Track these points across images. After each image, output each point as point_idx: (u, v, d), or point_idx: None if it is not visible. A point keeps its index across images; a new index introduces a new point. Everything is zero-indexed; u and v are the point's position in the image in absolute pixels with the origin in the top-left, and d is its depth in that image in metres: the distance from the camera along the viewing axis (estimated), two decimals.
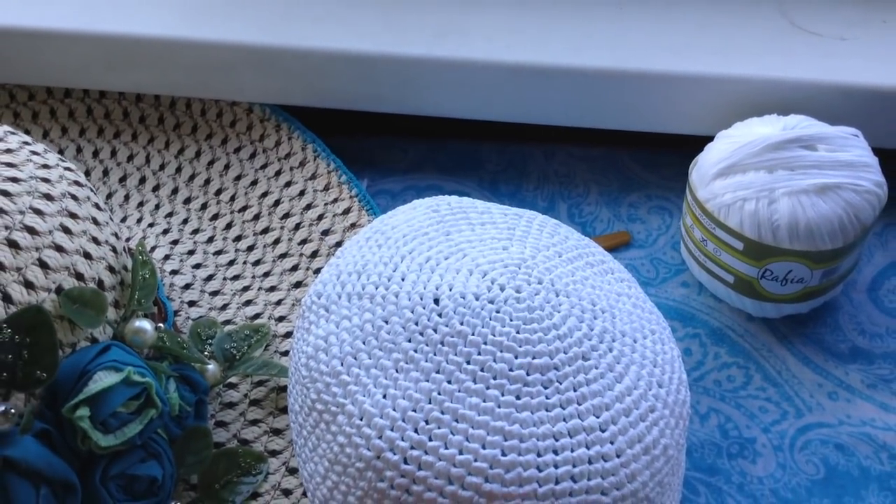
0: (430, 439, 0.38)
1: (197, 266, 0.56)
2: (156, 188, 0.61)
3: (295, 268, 0.56)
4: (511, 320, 0.40)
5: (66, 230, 0.44)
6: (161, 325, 0.48)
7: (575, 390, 0.39)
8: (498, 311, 0.40)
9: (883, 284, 0.57)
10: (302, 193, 0.59)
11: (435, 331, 0.39)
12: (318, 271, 0.55)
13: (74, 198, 0.46)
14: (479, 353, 0.39)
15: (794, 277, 0.51)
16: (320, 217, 0.58)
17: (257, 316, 0.54)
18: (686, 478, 0.50)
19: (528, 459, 0.38)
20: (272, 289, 0.55)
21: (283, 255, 0.57)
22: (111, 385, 0.42)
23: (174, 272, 0.56)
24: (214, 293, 0.55)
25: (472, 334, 0.39)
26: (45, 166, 0.46)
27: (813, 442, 0.51)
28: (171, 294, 0.54)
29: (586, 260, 0.45)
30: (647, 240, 0.59)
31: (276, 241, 0.57)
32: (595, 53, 0.58)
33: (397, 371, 0.39)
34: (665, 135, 0.61)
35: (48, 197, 0.45)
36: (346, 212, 0.58)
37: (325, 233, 0.57)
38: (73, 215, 0.45)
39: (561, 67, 0.58)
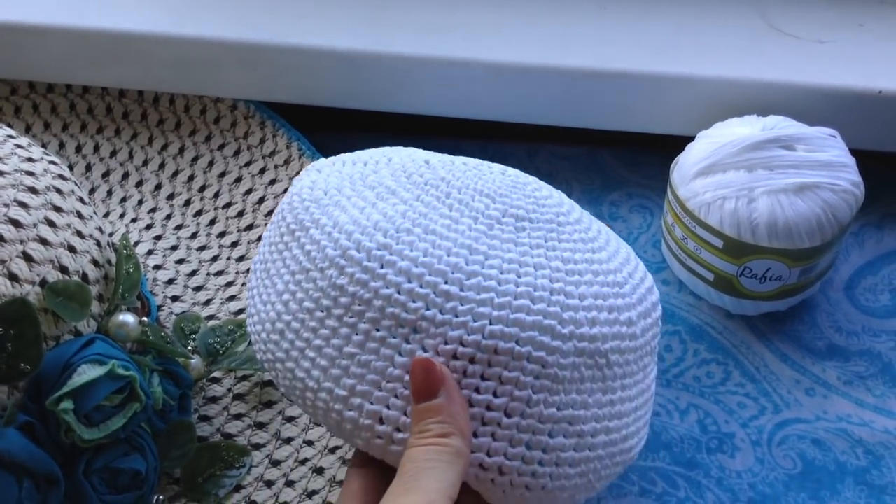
0: (397, 243, 0.39)
1: (180, 261, 0.56)
2: (139, 184, 0.61)
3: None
4: (493, 181, 0.42)
5: (51, 223, 0.44)
6: (145, 319, 0.48)
7: (545, 241, 0.41)
8: (483, 175, 0.42)
9: (859, 283, 0.58)
10: (286, 191, 0.59)
11: (420, 176, 0.42)
12: None
13: (59, 191, 0.46)
14: (459, 193, 0.41)
15: (773, 275, 0.52)
16: None
17: (241, 311, 0.54)
18: (665, 472, 0.50)
19: (490, 272, 0.38)
20: None
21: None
22: (95, 378, 0.42)
23: (157, 267, 0.56)
24: (198, 288, 0.55)
25: (455, 181, 0.42)
26: (30, 159, 0.46)
27: (790, 437, 0.51)
28: (155, 289, 0.54)
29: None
30: (629, 238, 0.60)
31: (260, 238, 0.58)
32: (577, 53, 0.59)
33: (378, 199, 0.40)
34: (646, 134, 0.61)
35: (33, 190, 0.45)
36: None
37: None
38: (57, 209, 0.45)
39: (543, 67, 0.59)
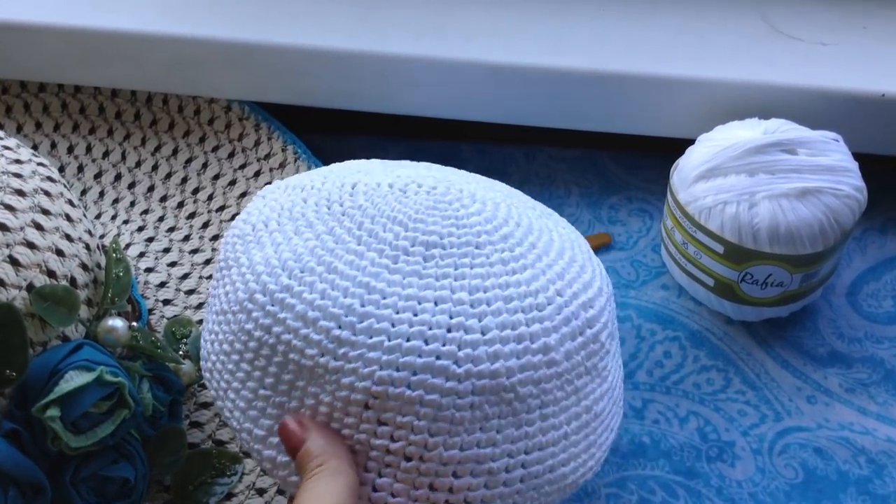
0: (299, 285, 0.38)
1: (172, 264, 0.56)
2: (131, 185, 0.60)
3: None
4: (414, 204, 0.41)
5: (38, 227, 0.43)
6: (135, 323, 0.47)
7: (455, 269, 0.39)
8: (405, 197, 0.41)
9: (862, 289, 0.57)
10: None
11: (340, 205, 0.41)
12: None
13: (47, 194, 0.45)
14: (372, 223, 0.40)
15: (774, 281, 0.51)
16: None
17: None
18: (665, 481, 0.49)
19: (383, 313, 0.38)
20: None
21: None
22: (83, 385, 0.41)
23: (149, 270, 0.55)
24: (190, 291, 0.54)
25: (371, 208, 0.41)
26: (18, 161, 0.45)
27: (792, 446, 0.51)
28: (146, 292, 0.53)
29: (529, 204, 0.46)
30: (628, 242, 0.59)
31: None
32: (576, 55, 0.58)
33: (295, 233, 0.40)
34: (646, 137, 0.61)
35: (20, 193, 0.44)
36: None
37: None
38: (45, 212, 0.44)
39: (542, 68, 0.58)
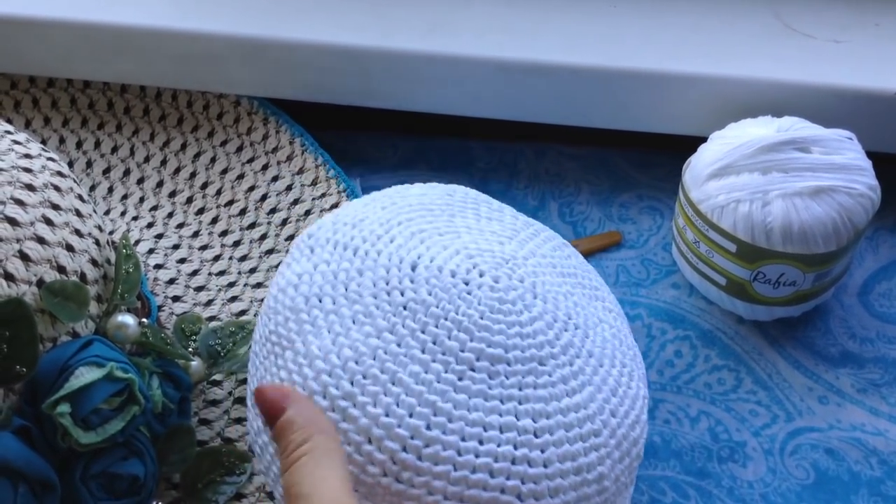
0: (362, 394, 0.37)
1: (182, 261, 0.55)
2: (140, 181, 0.59)
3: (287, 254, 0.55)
4: (479, 304, 0.39)
5: (48, 221, 0.43)
6: (144, 320, 0.47)
7: (520, 389, 0.38)
8: (469, 293, 0.40)
9: (874, 288, 0.57)
10: (289, 188, 0.58)
11: (402, 294, 0.39)
12: None
13: (57, 188, 0.45)
14: (436, 326, 0.39)
15: (787, 280, 0.51)
16: (308, 212, 0.57)
17: (243, 312, 0.53)
18: (676, 481, 0.49)
19: (450, 440, 0.37)
20: (258, 285, 0.54)
21: (270, 251, 0.56)
22: (93, 381, 0.41)
23: (158, 266, 0.55)
24: (199, 288, 0.54)
25: (436, 306, 0.39)
26: (28, 156, 0.45)
27: (803, 446, 0.50)
28: (155, 289, 0.53)
29: (579, 280, 0.44)
30: (639, 240, 0.59)
31: (263, 237, 0.56)
32: (587, 51, 0.58)
33: (353, 322, 0.39)
34: (657, 135, 0.60)
35: (30, 187, 0.43)
36: (335, 207, 0.57)
37: None
38: (55, 206, 0.44)
39: (553, 65, 0.57)
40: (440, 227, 0.43)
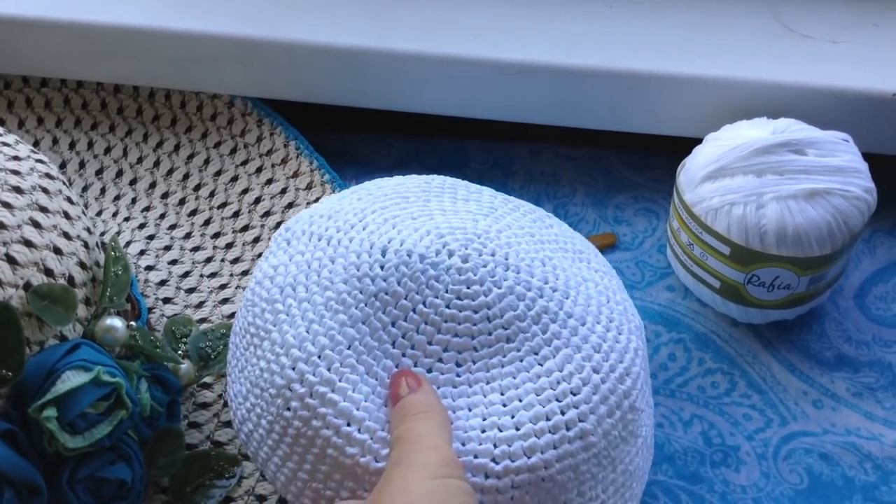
0: (340, 380, 0.39)
1: (173, 262, 0.55)
2: (133, 182, 0.59)
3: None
4: (446, 292, 0.40)
5: (36, 224, 0.43)
6: (133, 322, 0.47)
7: (487, 371, 0.40)
8: (437, 279, 0.40)
9: (870, 291, 0.56)
10: (283, 191, 0.58)
11: (372, 281, 0.40)
12: None
13: (45, 191, 0.45)
14: (405, 320, 0.40)
15: (781, 284, 0.50)
16: None
17: (233, 314, 0.53)
18: (668, 486, 0.49)
19: None
20: None
21: (262, 254, 0.56)
22: (80, 385, 0.41)
23: (149, 268, 0.54)
24: (190, 290, 0.54)
25: (405, 298, 0.40)
26: (16, 158, 0.45)
27: (797, 451, 0.50)
28: (146, 290, 0.53)
29: (561, 245, 0.45)
30: (633, 242, 0.59)
31: (256, 240, 0.56)
32: (583, 52, 0.58)
33: (326, 309, 0.40)
34: (653, 136, 0.60)
35: (17, 190, 0.43)
36: None
37: None
38: (43, 209, 0.44)
39: (549, 66, 0.57)
40: (414, 212, 0.43)
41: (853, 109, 0.56)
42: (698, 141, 0.54)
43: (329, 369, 0.39)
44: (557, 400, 0.39)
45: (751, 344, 0.54)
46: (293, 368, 0.39)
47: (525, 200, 0.60)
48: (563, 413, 0.39)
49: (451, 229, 0.42)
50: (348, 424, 0.38)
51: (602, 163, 0.63)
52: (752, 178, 0.50)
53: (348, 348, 0.39)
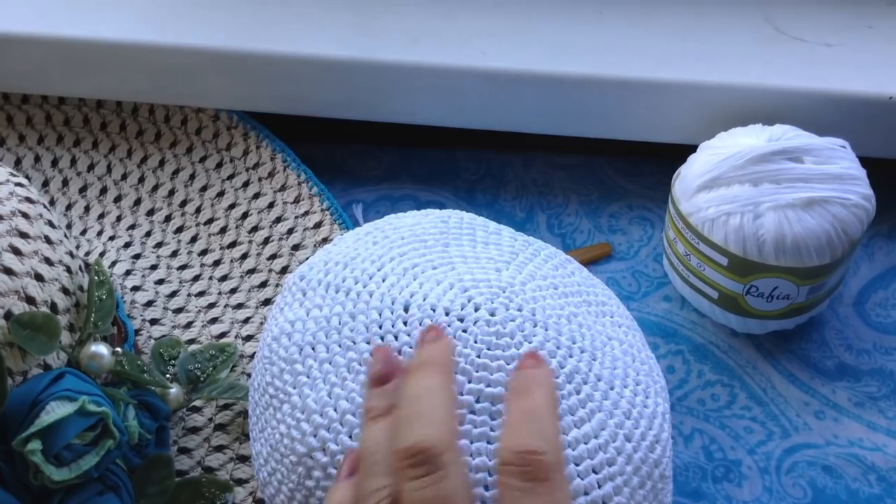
0: None
1: (160, 282, 0.54)
2: (117, 199, 0.58)
3: (263, 284, 0.54)
4: (475, 342, 0.38)
5: (16, 251, 0.42)
6: (118, 349, 0.45)
7: None
8: (465, 331, 0.38)
9: (870, 297, 0.55)
10: (271, 205, 0.57)
11: (396, 338, 0.38)
12: None
13: (25, 216, 0.43)
14: None
15: (780, 294, 0.50)
16: (290, 231, 0.55)
17: (223, 335, 0.52)
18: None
19: None
20: (239, 306, 0.53)
21: (251, 271, 0.54)
22: (65, 416, 0.40)
23: (136, 288, 0.53)
24: (178, 310, 0.53)
25: None
26: None
27: (800, 464, 0.49)
28: (133, 312, 0.52)
29: (584, 298, 0.43)
30: (629, 252, 0.58)
31: (244, 256, 0.55)
32: (574, 60, 0.57)
33: (349, 371, 0.38)
34: (647, 143, 0.59)
35: None
36: (318, 225, 0.55)
37: (296, 247, 0.55)
38: (23, 234, 0.42)
39: (539, 74, 0.56)
40: (434, 260, 0.41)
41: (849, 113, 0.55)
42: (692, 148, 0.53)
43: (351, 436, 0.37)
44: (595, 472, 0.37)
45: (750, 354, 0.53)
46: (314, 436, 0.37)
47: (518, 211, 0.60)
48: (600, 487, 0.37)
49: (474, 281, 0.40)
50: None
51: (595, 171, 0.62)
52: (749, 188, 0.49)
53: None
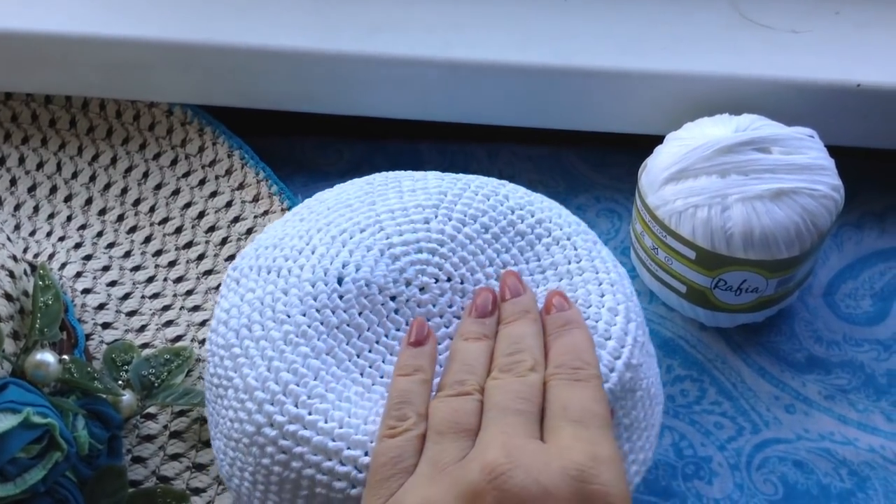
0: (310, 413, 0.36)
1: (112, 283, 0.52)
2: (68, 198, 0.56)
3: (221, 285, 0.52)
4: (406, 324, 0.39)
5: None
6: (66, 357, 0.44)
7: None
8: (397, 311, 0.39)
9: (839, 288, 0.55)
10: (229, 204, 0.55)
11: (332, 312, 0.38)
12: None
13: None
14: (370, 351, 0.38)
15: (749, 287, 0.49)
16: (249, 231, 0.54)
17: (179, 338, 0.50)
18: (640, 502, 0.47)
19: None
20: (195, 308, 0.51)
21: (208, 272, 0.53)
22: (8, 429, 0.38)
23: (87, 291, 0.51)
24: (131, 313, 0.51)
25: (367, 330, 0.39)
26: None
27: (771, 459, 0.48)
28: (83, 315, 0.50)
29: (518, 228, 0.43)
30: None
31: (201, 257, 0.53)
32: (539, 50, 0.55)
33: (286, 343, 0.38)
34: (613, 134, 0.58)
35: None
36: None
37: None
38: None
39: (503, 64, 0.55)
40: (360, 222, 0.41)
41: (817, 102, 0.54)
42: (659, 138, 0.52)
43: (297, 405, 0.36)
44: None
45: (719, 349, 0.52)
46: (260, 412, 0.37)
47: None
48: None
49: (403, 245, 0.40)
50: (328, 459, 0.36)
51: (562, 162, 0.61)
52: (716, 179, 0.48)
53: (315, 379, 0.37)
